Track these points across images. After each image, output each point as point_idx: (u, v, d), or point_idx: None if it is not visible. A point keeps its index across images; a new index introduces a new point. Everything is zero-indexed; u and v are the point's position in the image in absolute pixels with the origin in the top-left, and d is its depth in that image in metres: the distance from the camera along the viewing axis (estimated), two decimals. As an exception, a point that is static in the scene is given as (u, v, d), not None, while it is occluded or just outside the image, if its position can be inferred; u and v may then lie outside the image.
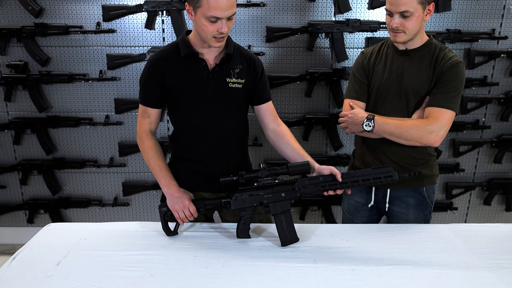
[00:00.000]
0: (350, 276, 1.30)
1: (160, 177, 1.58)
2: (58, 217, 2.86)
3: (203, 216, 1.72)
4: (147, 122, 1.61)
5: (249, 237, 1.51)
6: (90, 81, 2.63)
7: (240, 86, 1.58)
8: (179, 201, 1.51)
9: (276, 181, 1.51)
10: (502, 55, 2.60)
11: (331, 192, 1.48)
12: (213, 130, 1.60)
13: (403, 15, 1.54)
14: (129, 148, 2.74)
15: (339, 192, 1.49)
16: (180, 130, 1.64)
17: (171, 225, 1.56)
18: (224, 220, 1.77)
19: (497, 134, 2.78)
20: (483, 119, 2.76)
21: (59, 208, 2.86)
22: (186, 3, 1.44)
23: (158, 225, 1.57)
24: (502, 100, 2.68)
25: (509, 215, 2.94)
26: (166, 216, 1.53)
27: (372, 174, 1.46)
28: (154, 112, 1.61)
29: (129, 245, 1.47)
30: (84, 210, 2.90)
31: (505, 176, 2.86)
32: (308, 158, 1.56)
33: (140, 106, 1.61)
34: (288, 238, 1.47)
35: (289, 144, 1.63)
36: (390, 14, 1.59)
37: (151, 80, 1.56)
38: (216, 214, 1.80)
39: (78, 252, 1.43)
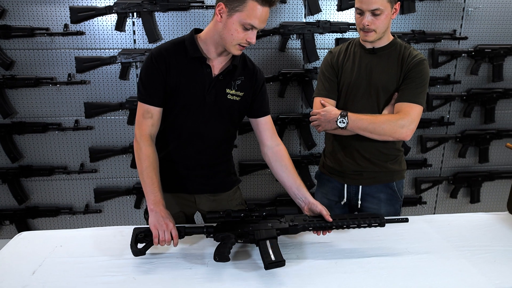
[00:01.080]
0: (333, 269, 1.32)
1: (150, 193, 1.44)
2: (25, 228, 2.74)
3: (184, 216, 1.70)
4: (149, 124, 1.49)
5: (228, 260, 1.32)
6: (58, 85, 2.55)
7: (238, 99, 1.54)
8: (163, 222, 1.36)
9: (264, 213, 1.44)
10: (463, 55, 2.74)
11: (319, 233, 1.45)
12: (203, 136, 1.55)
13: (374, 13, 1.59)
14: (101, 153, 2.67)
15: (325, 233, 1.46)
16: (169, 131, 1.57)
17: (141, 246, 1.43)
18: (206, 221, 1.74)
19: (461, 130, 2.92)
20: (448, 116, 2.89)
21: (26, 218, 2.74)
22: (221, 2, 1.37)
23: (137, 228, 1.54)
24: (465, 97, 2.81)
25: (474, 207, 3.08)
26: (139, 235, 1.40)
27: (361, 216, 1.44)
28: (157, 112, 1.49)
29: (108, 250, 1.43)
30: (53, 219, 2.80)
31: (469, 170, 3.00)
32: (303, 188, 1.54)
33: (141, 105, 1.48)
34: (271, 260, 1.28)
35: (286, 169, 1.58)
36: (360, 13, 1.63)
37: (156, 74, 1.46)
38: (198, 215, 1.78)
39: (54, 260, 1.37)
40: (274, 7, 1.40)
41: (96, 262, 1.36)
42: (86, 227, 2.77)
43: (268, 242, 1.33)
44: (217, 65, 1.50)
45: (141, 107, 1.49)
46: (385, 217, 1.44)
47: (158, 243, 1.36)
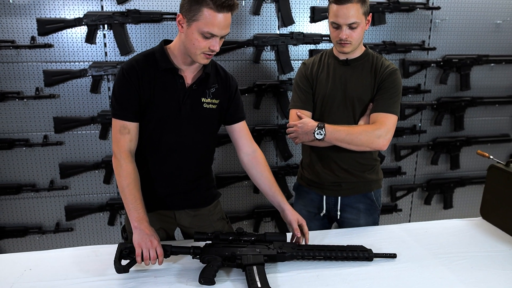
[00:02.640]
0: (315, 282, 1.31)
1: (132, 210, 1.38)
2: (-10, 250, 2.61)
3: (164, 233, 1.65)
4: (127, 140, 1.43)
5: (213, 283, 1.28)
6: (25, 100, 2.45)
7: (214, 107, 1.52)
8: (148, 239, 1.32)
9: (253, 238, 1.42)
10: (432, 65, 2.82)
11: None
12: (182, 149, 1.51)
13: (351, 26, 1.61)
14: (72, 169, 2.57)
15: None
16: (147, 147, 1.51)
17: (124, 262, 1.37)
18: (186, 236, 1.70)
19: (433, 138, 2.99)
20: (420, 124, 2.96)
21: (-8, 239, 2.60)
22: (179, 13, 1.35)
23: (112, 248, 1.47)
24: (435, 106, 2.89)
25: (447, 213, 3.15)
26: (123, 251, 1.35)
27: (349, 248, 1.43)
28: (134, 127, 1.45)
29: (82, 272, 1.37)
30: (21, 240, 2.67)
31: (441, 177, 3.08)
32: (278, 195, 1.56)
33: (116, 121, 1.43)
34: (257, 286, 1.24)
35: (262, 175, 1.59)
36: (337, 26, 1.64)
37: (129, 88, 1.42)
38: (178, 231, 1.74)
39: (23, 285, 1.30)
40: (235, 12, 1.37)
41: (70, 285, 1.30)
42: (57, 246, 2.69)
43: (255, 268, 1.31)
44: (189, 75, 1.48)
45: (117, 123, 1.44)
46: (374, 253, 1.43)
47: (142, 261, 1.31)
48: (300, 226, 1.50)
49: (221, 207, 1.75)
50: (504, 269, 1.40)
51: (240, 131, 1.61)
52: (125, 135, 1.43)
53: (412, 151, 2.95)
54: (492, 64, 2.90)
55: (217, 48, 1.37)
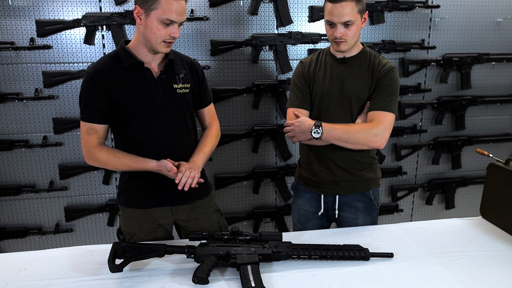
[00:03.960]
0: (310, 281, 1.30)
1: (143, 163, 1.50)
2: (-9, 250, 2.62)
3: (163, 231, 1.66)
4: (95, 138, 1.50)
5: (207, 282, 1.27)
6: (24, 101, 2.46)
7: (187, 91, 1.58)
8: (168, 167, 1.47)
9: (248, 237, 1.41)
10: (432, 63, 2.80)
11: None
12: (165, 139, 1.56)
13: (346, 24, 1.60)
14: (71, 170, 2.58)
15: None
16: (131, 144, 1.55)
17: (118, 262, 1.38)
18: (182, 231, 1.74)
19: (433, 137, 2.97)
20: (420, 124, 2.94)
21: (-8, 240, 2.61)
22: (136, 5, 1.41)
23: (107, 248, 1.46)
24: (435, 105, 2.87)
25: (449, 213, 3.13)
26: (118, 251, 1.36)
27: (345, 247, 1.43)
28: (101, 128, 1.51)
29: (77, 271, 1.36)
30: (21, 241, 2.67)
31: (443, 176, 3.05)
32: (197, 150, 1.61)
33: (84, 124, 1.49)
34: (251, 285, 1.23)
35: (200, 139, 1.69)
36: (331, 24, 1.64)
37: (95, 93, 1.46)
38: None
39: (17, 284, 1.30)
40: (188, 1, 1.45)
41: (64, 284, 1.30)
42: (56, 247, 2.69)
43: (249, 268, 1.30)
44: (155, 65, 1.54)
45: (84, 125, 1.50)
46: (370, 252, 1.42)
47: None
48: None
49: (215, 201, 1.79)
50: (503, 268, 1.39)
51: (207, 113, 1.72)
52: (92, 135, 1.49)
53: (412, 150, 2.93)
54: (493, 63, 2.88)
55: (177, 34, 1.43)
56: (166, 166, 1.48)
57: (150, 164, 1.50)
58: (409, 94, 2.84)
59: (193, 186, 1.49)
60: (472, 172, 3.08)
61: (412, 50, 2.76)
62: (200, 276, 1.26)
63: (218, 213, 1.76)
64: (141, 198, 1.59)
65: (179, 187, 1.47)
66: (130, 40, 1.55)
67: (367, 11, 1.68)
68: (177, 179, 1.47)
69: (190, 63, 1.63)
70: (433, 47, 2.79)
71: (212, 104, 1.73)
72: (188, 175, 1.48)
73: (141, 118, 1.52)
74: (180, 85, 1.56)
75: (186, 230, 1.70)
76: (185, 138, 1.62)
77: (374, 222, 1.85)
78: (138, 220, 1.62)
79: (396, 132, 2.85)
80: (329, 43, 1.75)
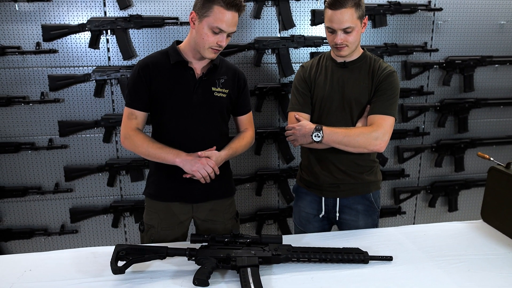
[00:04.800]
0: (309, 284, 1.31)
1: (166, 154, 1.57)
2: (-3, 251, 2.66)
3: (181, 228, 1.73)
4: (134, 123, 1.62)
5: (207, 285, 1.29)
6: (30, 104, 2.50)
7: (224, 95, 1.66)
8: (195, 161, 1.54)
9: (248, 240, 1.42)
10: (435, 66, 2.80)
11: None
12: (196, 137, 1.63)
13: (346, 31, 1.62)
14: (76, 172, 2.61)
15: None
16: (163, 136, 1.65)
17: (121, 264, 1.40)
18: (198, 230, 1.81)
19: (436, 140, 2.97)
20: (423, 126, 2.94)
21: (-2, 241, 2.66)
22: (192, 11, 1.52)
23: (110, 250, 1.49)
24: (438, 108, 2.87)
25: (452, 215, 3.12)
26: (120, 253, 1.37)
27: (344, 250, 1.44)
28: (141, 115, 1.64)
29: (80, 273, 1.39)
30: (27, 242, 2.71)
31: (446, 179, 3.05)
32: (223, 149, 1.66)
33: (126, 109, 1.64)
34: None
35: (233, 139, 1.75)
36: (332, 31, 1.65)
37: (140, 83, 1.60)
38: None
39: (22, 285, 1.32)
40: (242, 13, 1.53)
41: (67, 285, 1.32)
42: (62, 248, 2.72)
43: (249, 270, 1.31)
44: (199, 67, 1.64)
45: (126, 110, 1.64)
46: (370, 255, 1.43)
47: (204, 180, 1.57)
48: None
49: (235, 207, 1.85)
50: (502, 272, 1.39)
51: (244, 120, 1.80)
52: (132, 120, 1.62)
53: (415, 153, 2.93)
54: (496, 65, 2.87)
55: (224, 43, 1.53)
56: (198, 159, 1.55)
57: (175, 159, 1.57)
58: (412, 97, 2.84)
59: (211, 177, 1.58)
60: (475, 175, 3.08)
61: (414, 53, 2.76)
62: (200, 278, 1.28)
63: (234, 220, 1.82)
64: (165, 191, 1.68)
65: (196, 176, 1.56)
66: (181, 41, 1.67)
67: (366, 16, 1.69)
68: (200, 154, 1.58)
69: (234, 71, 1.71)
70: (436, 50, 2.79)
71: (251, 113, 1.82)
72: (205, 163, 1.55)
73: (175, 113, 1.61)
74: (219, 89, 1.65)
75: (199, 230, 1.77)
76: (216, 140, 1.68)
77: (375, 225, 1.86)
78: (158, 213, 1.70)
79: (399, 134, 2.86)
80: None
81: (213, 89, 1.64)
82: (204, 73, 1.62)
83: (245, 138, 1.76)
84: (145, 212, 1.76)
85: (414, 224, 3.11)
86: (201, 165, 1.55)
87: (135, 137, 1.60)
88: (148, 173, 1.77)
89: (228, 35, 1.54)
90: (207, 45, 1.51)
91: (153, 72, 1.59)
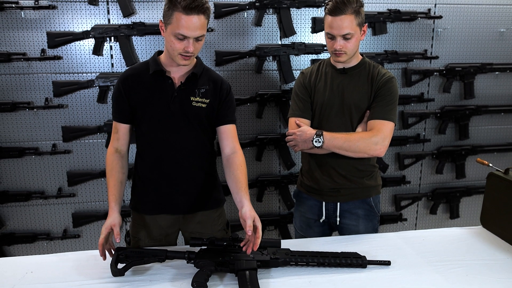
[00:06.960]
0: (307, 288, 1.32)
1: (109, 197, 1.57)
2: (0, 255, 2.67)
3: (169, 241, 1.71)
4: (115, 138, 1.63)
5: (205, 287, 1.30)
6: (35, 109, 2.54)
7: (204, 105, 1.59)
8: (105, 235, 1.47)
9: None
10: (435, 73, 2.82)
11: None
12: (176, 146, 1.60)
13: (345, 37, 1.64)
14: (79, 177, 2.64)
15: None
16: (144, 147, 1.64)
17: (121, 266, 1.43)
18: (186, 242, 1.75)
19: (437, 146, 2.97)
20: (423, 133, 2.95)
21: (1, 245, 2.67)
22: (160, 19, 1.50)
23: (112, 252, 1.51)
24: (439, 115, 2.88)
25: (453, 222, 3.11)
26: (120, 255, 1.42)
27: (342, 254, 1.44)
28: (122, 128, 1.63)
29: (81, 275, 1.41)
30: (30, 246, 2.73)
31: (447, 186, 3.05)
32: (243, 191, 1.50)
33: (113, 122, 1.65)
34: None
35: (233, 174, 1.57)
36: (331, 37, 1.68)
37: (119, 96, 1.60)
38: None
39: (23, 287, 1.34)
40: (207, 14, 1.45)
41: (68, 287, 1.33)
42: (64, 252, 2.73)
43: (247, 273, 1.33)
44: (178, 76, 1.59)
45: (113, 124, 1.66)
46: (368, 260, 1.44)
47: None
48: (254, 227, 1.38)
49: (225, 217, 1.79)
50: (500, 277, 1.39)
51: (225, 133, 1.64)
52: (114, 134, 1.64)
53: (416, 160, 2.94)
54: (497, 72, 2.89)
55: (190, 49, 1.45)
56: (113, 228, 1.50)
57: (110, 211, 1.55)
58: (412, 104, 2.86)
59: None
60: (476, 182, 3.07)
61: (414, 60, 2.78)
62: (199, 281, 1.29)
63: (224, 231, 1.75)
64: (149, 203, 1.65)
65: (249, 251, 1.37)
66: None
67: (366, 24, 1.72)
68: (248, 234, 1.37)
69: (216, 81, 1.63)
70: (436, 57, 2.81)
71: (234, 126, 1.66)
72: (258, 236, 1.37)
73: (153, 122, 1.59)
74: (198, 99, 1.58)
75: (187, 242, 1.72)
76: (196, 151, 1.63)
77: (375, 229, 1.86)
78: (145, 226, 1.67)
79: (400, 141, 2.87)
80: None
81: (192, 98, 1.58)
82: (183, 82, 1.57)
83: (243, 166, 1.61)
84: (131, 225, 1.72)
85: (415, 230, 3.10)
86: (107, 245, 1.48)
87: (108, 161, 1.62)
88: (132, 185, 1.71)
89: (198, 39, 1.46)
90: (176, 51, 1.47)
91: (132, 84, 1.58)
